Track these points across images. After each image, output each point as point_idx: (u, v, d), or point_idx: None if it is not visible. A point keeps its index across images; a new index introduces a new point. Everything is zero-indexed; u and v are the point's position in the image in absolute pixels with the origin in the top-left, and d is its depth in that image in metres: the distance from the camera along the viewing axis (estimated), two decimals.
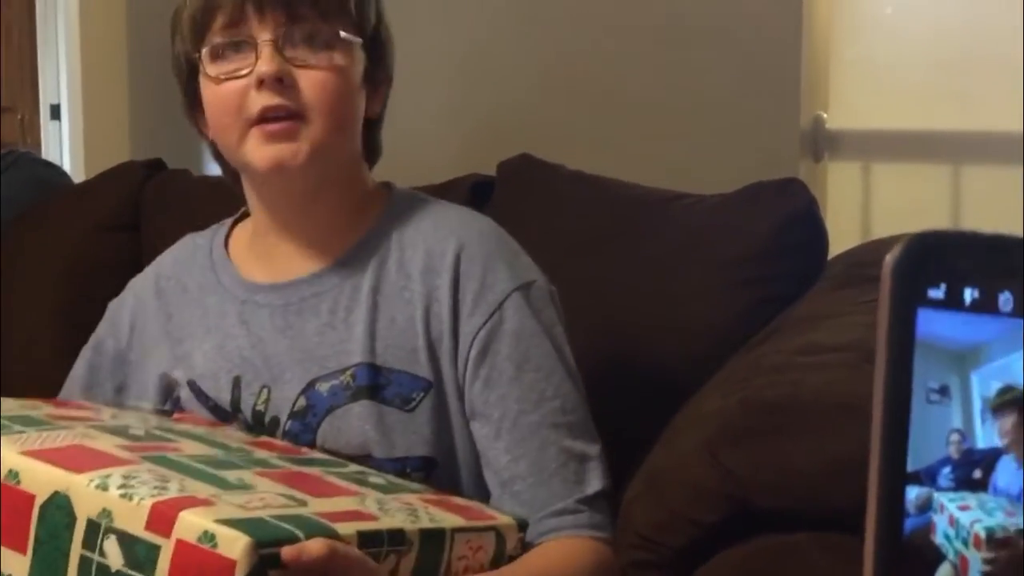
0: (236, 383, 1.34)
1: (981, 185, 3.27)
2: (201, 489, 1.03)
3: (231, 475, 1.08)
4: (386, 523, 1.06)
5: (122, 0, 5.25)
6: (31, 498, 1.02)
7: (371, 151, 1.40)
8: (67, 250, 2.08)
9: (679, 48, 2.91)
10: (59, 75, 5.37)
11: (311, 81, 1.28)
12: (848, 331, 1.38)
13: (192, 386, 1.36)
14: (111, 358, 1.45)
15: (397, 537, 1.05)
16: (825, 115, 3.19)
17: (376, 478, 1.20)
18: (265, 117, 1.27)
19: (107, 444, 1.10)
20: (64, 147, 5.33)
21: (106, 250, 2.07)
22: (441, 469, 1.29)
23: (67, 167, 5.36)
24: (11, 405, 1.18)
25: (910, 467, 0.44)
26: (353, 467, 1.22)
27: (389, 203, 1.37)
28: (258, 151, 1.28)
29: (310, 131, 1.28)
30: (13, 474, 1.04)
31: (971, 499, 0.45)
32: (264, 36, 1.27)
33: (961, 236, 0.47)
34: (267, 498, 1.04)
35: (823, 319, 1.47)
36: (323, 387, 1.30)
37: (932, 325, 0.46)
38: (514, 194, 1.85)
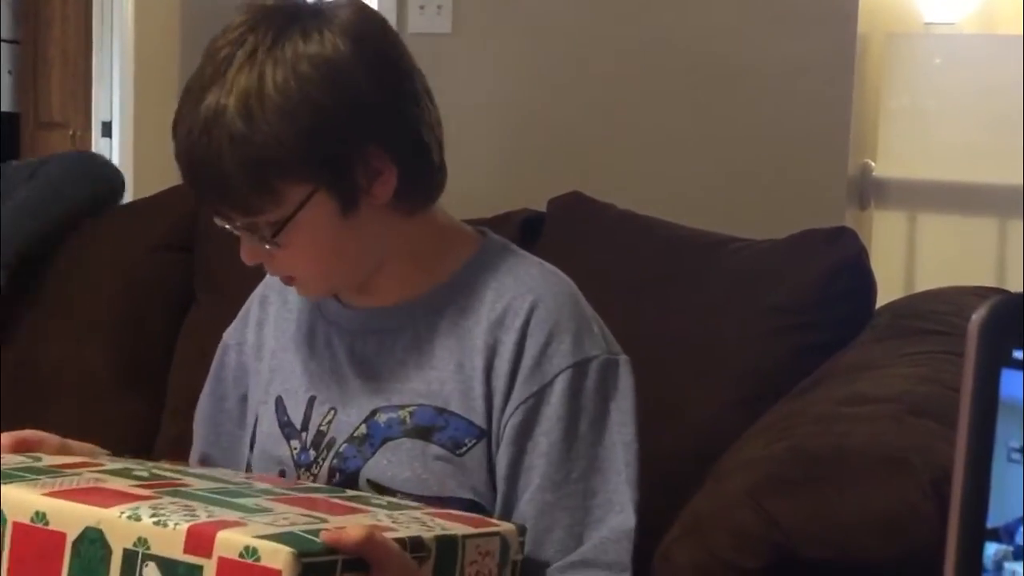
0: (311, 402, 1.36)
1: None
2: (228, 514, 1.06)
3: (247, 502, 1.12)
4: (404, 532, 1.09)
5: (176, 20, 5.31)
6: (62, 536, 1.06)
7: (422, 196, 1.33)
8: (121, 268, 2.10)
9: (731, 93, 2.92)
10: (111, 93, 5.44)
11: (280, 262, 1.30)
12: (893, 383, 1.38)
13: (278, 401, 1.39)
14: (232, 378, 1.47)
15: (417, 545, 1.08)
16: (873, 163, 3.19)
17: (378, 500, 1.23)
18: None
19: (121, 484, 1.14)
20: (114, 164, 5.39)
21: (159, 269, 2.09)
22: (485, 514, 1.29)
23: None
24: (13, 460, 1.20)
25: (990, 523, 0.45)
26: (351, 492, 1.26)
27: (479, 251, 1.36)
28: None
29: (308, 284, 1.33)
30: (40, 515, 1.07)
31: None
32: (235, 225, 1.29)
33: None
34: (291, 517, 1.08)
35: (868, 369, 1.47)
36: (382, 418, 1.31)
37: (1015, 385, 0.46)
38: (564, 231, 1.86)
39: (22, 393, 2.01)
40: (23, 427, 1.28)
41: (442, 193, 1.36)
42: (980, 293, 1.68)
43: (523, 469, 1.28)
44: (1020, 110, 3.23)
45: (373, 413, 1.32)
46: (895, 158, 3.30)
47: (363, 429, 1.32)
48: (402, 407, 1.31)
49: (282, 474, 1.36)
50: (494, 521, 1.22)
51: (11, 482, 1.11)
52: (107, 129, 5.40)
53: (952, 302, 1.66)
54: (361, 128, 1.25)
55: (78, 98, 5.64)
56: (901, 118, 3.37)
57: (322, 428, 1.35)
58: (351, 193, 1.26)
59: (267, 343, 1.42)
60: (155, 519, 1.03)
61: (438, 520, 1.16)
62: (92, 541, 1.05)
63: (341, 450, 1.33)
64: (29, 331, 2.09)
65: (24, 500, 1.08)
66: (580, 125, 3.03)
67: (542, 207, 1.95)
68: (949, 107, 3.44)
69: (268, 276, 1.44)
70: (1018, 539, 0.45)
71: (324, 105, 1.23)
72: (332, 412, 1.35)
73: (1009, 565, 0.44)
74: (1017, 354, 0.46)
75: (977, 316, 0.46)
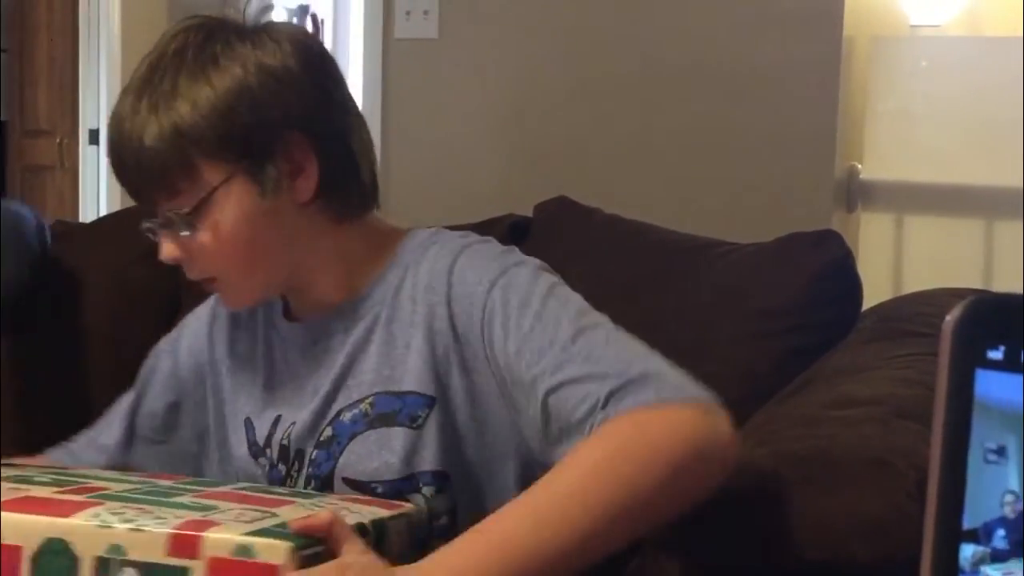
0: (276, 421, 1.38)
1: (1013, 240, 3.27)
2: (189, 514, 1.07)
3: (187, 500, 1.13)
4: (354, 519, 1.11)
5: (162, 28, 5.31)
6: (17, 550, 1.04)
7: (348, 207, 1.35)
8: (110, 276, 2.10)
9: (717, 97, 2.93)
10: (99, 100, 5.44)
11: (198, 254, 1.30)
12: (879, 385, 1.38)
13: (247, 423, 1.40)
14: (164, 379, 1.48)
15: (362, 529, 1.11)
16: (860, 166, 3.20)
17: (281, 488, 1.28)
18: None
19: (47, 492, 1.13)
20: (101, 171, 5.38)
21: (148, 278, 2.09)
22: (455, 482, 1.30)
23: (103, 191, 5.42)
24: None
25: (967, 525, 0.45)
26: (245, 483, 1.29)
27: (403, 243, 1.38)
28: None
29: (228, 283, 1.34)
30: None
31: (1017, 567, 0.46)
32: (156, 221, 1.32)
33: (1020, 299, 0.48)
34: (244, 514, 1.09)
35: (855, 372, 1.47)
36: (346, 416, 1.33)
37: (990, 386, 0.46)
38: (550, 236, 1.86)
39: (10, 401, 2.01)
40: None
41: (375, 206, 1.38)
42: (966, 295, 1.68)
43: (520, 374, 1.24)
44: (1006, 112, 3.24)
45: (338, 414, 1.33)
46: (882, 160, 3.31)
47: (328, 431, 1.33)
48: (361, 400, 1.32)
49: None
50: (399, 503, 1.24)
51: None
52: (94, 136, 5.40)
53: (938, 304, 1.66)
54: (284, 111, 1.29)
55: (65, 106, 5.63)
56: (888, 120, 3.38)
57: (284, 443, 1.36)
58: (270, 181, 1.29)
59: (223, 365, 1.44)
60: (129, 525, 1.03)
61: (359, 505, 1.19)
62: (56, 552, 1.03)
63: (313, 457, 1.34)
64: (17, 342, 2.08)
65: None
66: (566, 130, 3.03)
67: (528, 212, 1.95)
68: (935, 109, 3.45)
69: (213, 299, 1.46)
70: (995, 541, 0.45)
71: (249, 83, 1.27)
72: (292, 426, 1.36)
73: (986, 567, 0.44)
74: (992, 354, 0.46)
75: (951, 317, 0.46)
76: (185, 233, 1.28)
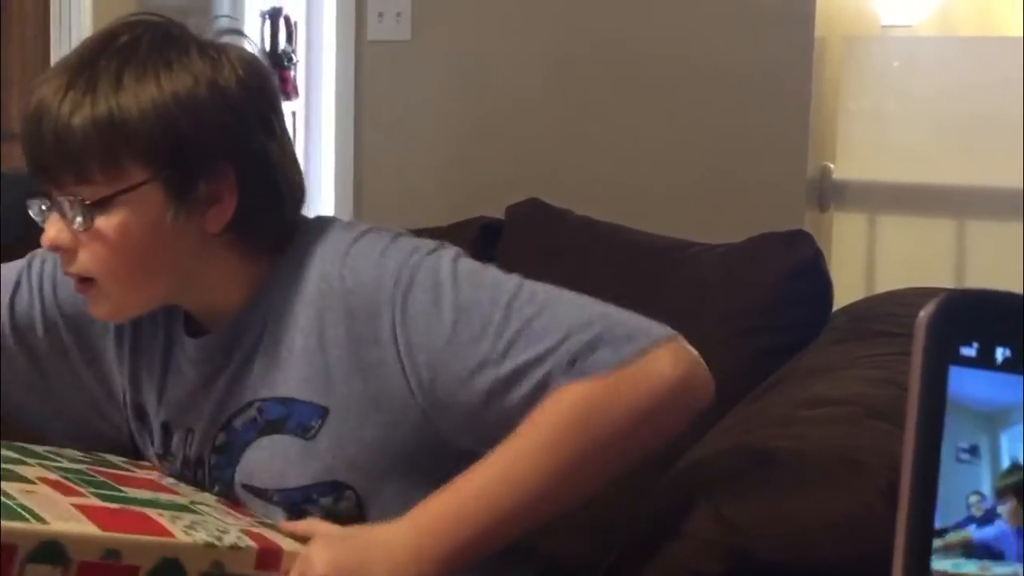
0: (165, 428, 1.36)
1: (985, 239, 3.28)
2: (240, 523, 1.17)
3: (165, 498, 1.21)
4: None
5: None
6: (136, 570, 1.07)
7: (254, 246, 1.29)
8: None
9: (689, 97, 2.92)
10: None
11: (85, 248, 1.24)
12: (850, 385, 1.38)
13: (142, 420, 1.39)
14: (60, 314, 1.40)
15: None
16: (832, 166, 3.20)
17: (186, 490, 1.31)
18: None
19: (95, 501, 1.15)
20: None
21: None
22: (355, 491, 1.27)
23: None
24: None
25: (938, 524, 0.44)
26: (171, 480, 1.33)
27: (296, 237, 1.31)
28: None
29: (103, 291, 1.26)
30: (112, 553, 1.06)
31: (971, 567, 0.45)
32: (49, 201, 1.25)
33: (994, 295, 0.47)
34: (251, 524, 1.20)
35: (826, 372, 1.47)
36: (238, 423, 1.31)
37: (964, 383, 0.46)
38: (521, 238, 1.86)
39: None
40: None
41: (287, 245, 1.31)
42: (938, 294, 1.68)
43: (451, 369, 1.21)
44: (978, 111, 3.25)
45: (229, 421, 1.31)
46: (854, 160, 3.31)
47: (222, 437, 1.32)
48: (249, 405, 1.30)
49: None
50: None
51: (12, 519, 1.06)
52: None
53: (909, 304, 1.67)
54: (224, 144, 1.24)
55: None
56: (860, 120, 3.38)
57: (187, 453, 1.35)
58: (185, 201, 1.23)
59: (125, 356, 1.39)
60: (232, 542, 1.10)
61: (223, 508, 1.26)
62: (170, 570, 1.08)
63: (213, 463, 1.33)
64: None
65: (86, 535, 1.05)
66: (538, 131, 3.03)
67: (500, 214, 1.94)
68: (908, 109, 3.46)
69: None
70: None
71: (198, 97, 1.22)
72: (190, 434, 1.34)
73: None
74: (965, 351, 0.45)
75: (925, 312, 0.45)
76: (79, 222, 1.21)
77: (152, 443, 1.38)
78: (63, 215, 1.23)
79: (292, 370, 1.27)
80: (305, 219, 1.33)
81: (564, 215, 1.90)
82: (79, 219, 1.21)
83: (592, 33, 2.99)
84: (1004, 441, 0.46)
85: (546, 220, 1.90)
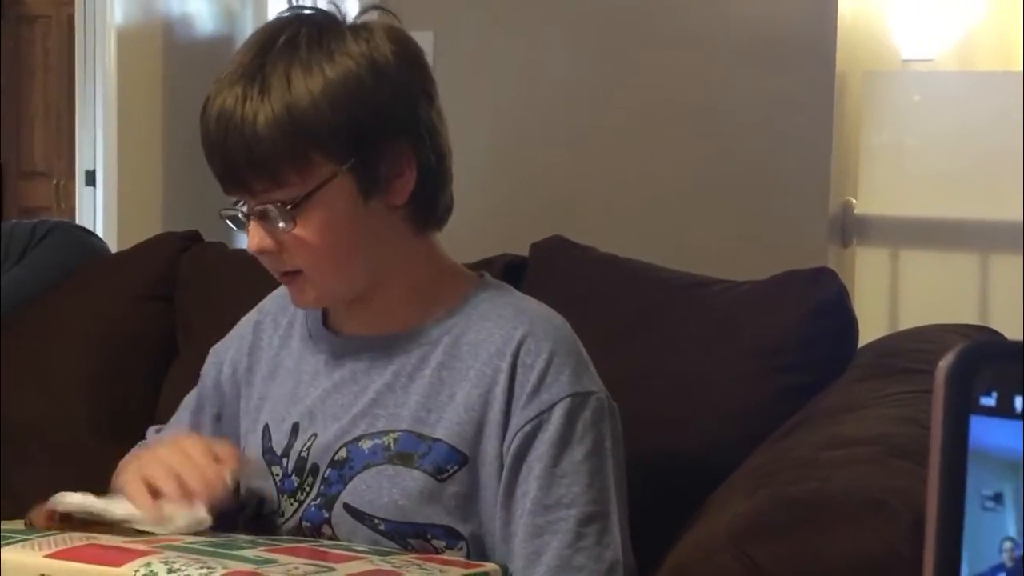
0: (294, 429, 1.37)
1: (1009, 274, 3.27)
2: (240, 566, 1.07)
3: (247, 553, 1.12)
4: None
5: (159, 69, 5.32)
6: None
7: (429, 217, 1.37)
8: (103, 319, 2.10)
9: (711, 134, 2.93)
10: (95, 141, 5.45)
11: (290, 247, 1.30)
12: (874, 424, 1.38)
13: (265, 429, 1.40)
14: (211, 387, 1.49)
15: None
16: (854, 200, 3.20)
17: (360, 547, 1.25)
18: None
19: (115, 540, 1.13)
20: (98, 213, 5.38)
21: (141, 321, 2.09)
22: (466, 543, 1.29)
23: (100, 233, 5.41)
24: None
25: (970, 572, 0.45)
26: (330, 542, 1.28)
27: (480, 287, 1.38)
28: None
29: (312, 281, 1.32)
30: None
31: None
32: (247, 209, 1.31)
33: (1011, 345, 0.48)
34: (301, 567, 1.08)
35: (850, 411, 1.47)
36: (366, 444, 1.32)
37: (984, 432, 0.46)
38: (546, 275, 1.86)
39: None
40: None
41: (445, 225, 1.40)
42: (962, 331, 1.68)
43: (517, 493, 1.28)
44: (999, 146, 3.25)
45: (357, 440, 1.32)
46: (876, 195, 3.31)
47: (343, 453, 1.32)
48: (386, 433, 1.31)
49: (261, 502, 1.36)
50: (479, 563, 1.24)
51: (9, 543, 1.09)
52: (91, 178, 5.41)
53: (934, 340, 1.66)
54: (396, 119, 1.30)
55: (61, 147, 5.65)
56: (881, 155, 3.38)
57: (303, 454, 1.35)
58: (372, 182, 1.29)
59: (258, 370, 1.43)
60: (175, 575, 1.04)
61: (430, 564, 1.17)
62: None
63: (327, 475, 1.33)
64: (6, 385, 2.07)
65: (27, 563, 1.07)
66: (561, 169, 3.04)
67: (524, 251, 1.95)
68: (929, 143, 3.46)
69: (264, 301, 1.46)
70: None
71: (367, 85, 1.28)
72: (313, 438, 1.35)
73: None
74: (985, 401, 0.46)
75: (944, 364, 0.46)
76: (282, 226, 1.27)
77: (263, 448, 1.39)
78: (262, 221, 1.28)
79: (449, 414, 1.30)
80: (484, 277, 1.42)
81: (588, 252, 1.91)
82: (281, 224, 1.27)
83: (613, 69, 3.00)
84: None
85: (570, 257, 1.90)
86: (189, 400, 1.51)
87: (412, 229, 1.35)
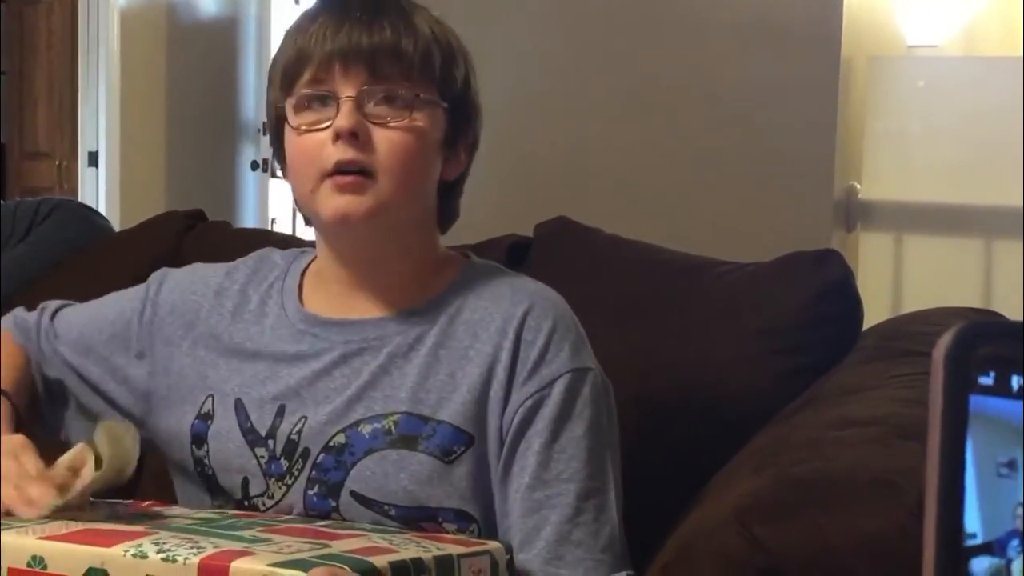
0: (280, 411, 1.34)
1: (1011, 258, 3.27)
2: (232, 544, 1.07)
3: (244, 533, 1.12)
4: (405, 554, 1.10)
5: (161, 50, 5.32)
6: None
7: (445, 216, 1.40)
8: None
9: (716, 118, 2.93)
10: (98, 122, 5.45)
11: (385, 139, 1.30)
12: (880, 405, 1.38)
13: (238, 404, 1.36)
14: (145, 323, 1.44)
15: (419, 566, 1.10)
16: (858, 185, 3.21)
17: (361, 525, 1.25)
18: (338, 170, 1.29)
19: (112, 525, 1.14)
20: (101, 193, 5.39)
21: None
22: (478, 525, 1.29)
23: (103, 213, 5.42)
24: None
25: (982, 538, 0.45)
26: (325, 521, 1.27)
27: (465, 268, 1.38)
28: (327, 201, 1.30)
29: (377, 188, 1.30)
30: (38, 560, 1.06)
31: None
32: (346, 92, 1.30)
33: (1009, 325, 0.48)
34: (294, 545, 1.08)
35: (855, 392, 1.47)
36: (366, 428, 1.30)
37: (987, 408, 0.46)
38: (550, 256, 1.86)
39: None
40: None
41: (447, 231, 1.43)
42: (966, 314, 1.68)
43: (515, 469, 1.29)
44: (1003, 131, 3.25)
45: (356, 424, 1.31)
46: (880, 180, 3.31)
47: (341, 439, 1.31)
48: (385, 416, 1.30)
49: (245, 483, 1.34)
50: (481, 540, 1.23)
51: (5, 529, 1.10)
52: (93, 159, 5.41)
53: (938, 323, 1.66)
54: (474, 101, 1.40)
55: (64, 128, 5.64)
56: (886, 140, 3.38)
57: (292, 437, 1.33)
58: (452, 135, 1.35)
59: (217, 338, 1.40)
60: (162, 555, 1.04)
61: (429, 542, 1.17)
62: None
63: (319, 460, 1.31)
64: None
65: (19, 545, 1.07)
66: (566, 150, 3.04)
67: (529, 232, 1.95)
68: (933, 129, 3.46)
69: (234, 267, 1.44)
70: (1010, 552, 0.46)
71: (465, 50, 1.38)
72: (303, 420, 1.33)
73: None
74: (983, 380, 0.46)
75: (942, 343, 0.46)
76: (396, 113, 1.30)
77: (240, 427, 1.36)
78: (369, 104, 1.30)
79: (451, 395, 1.30)
80: (470, 256, 1.43)
81: (592, 233, 1.90)
82: (401, 110, 1.31)
83: (619, 53, 3.00)
84: None
85: (574, 238, 1.90)
86: (113, 314, 1.46)
87: (432, 216, 1.39)
